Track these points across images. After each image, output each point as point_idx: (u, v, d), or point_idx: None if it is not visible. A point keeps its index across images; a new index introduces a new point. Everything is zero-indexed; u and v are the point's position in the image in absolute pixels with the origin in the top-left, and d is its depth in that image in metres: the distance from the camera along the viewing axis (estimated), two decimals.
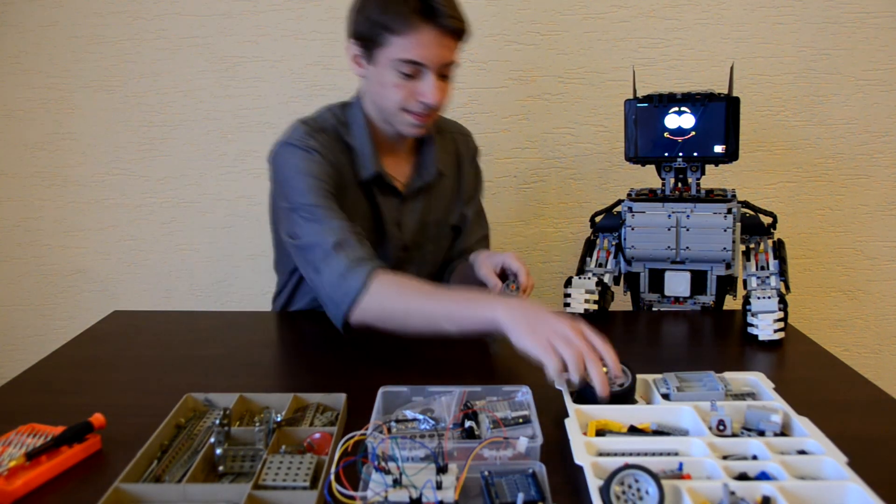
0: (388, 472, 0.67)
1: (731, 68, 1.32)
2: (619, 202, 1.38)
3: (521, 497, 0.66)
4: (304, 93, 1.87)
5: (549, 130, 1.87)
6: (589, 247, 1.39)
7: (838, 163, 1.84)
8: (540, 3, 1.79)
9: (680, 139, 1.31)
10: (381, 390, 0.86)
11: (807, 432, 0.76)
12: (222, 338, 1.22)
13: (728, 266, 1.30)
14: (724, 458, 0.73)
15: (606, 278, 1.33)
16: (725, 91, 1.30)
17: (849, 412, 0.90)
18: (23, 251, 2.00)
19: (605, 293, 1.31)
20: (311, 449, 0.78)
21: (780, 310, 1.15)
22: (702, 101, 1.29)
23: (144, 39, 1.85)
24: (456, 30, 1.12)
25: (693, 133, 1.30)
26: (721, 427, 0.78)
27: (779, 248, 1.28)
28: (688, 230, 1.29)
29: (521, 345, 0.89)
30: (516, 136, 1.87)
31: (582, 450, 0.73)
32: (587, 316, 1.26)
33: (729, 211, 1.27)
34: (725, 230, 1.27)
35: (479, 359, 1.07)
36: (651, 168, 1.36)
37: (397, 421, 0.82)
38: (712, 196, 1.31)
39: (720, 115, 1.29)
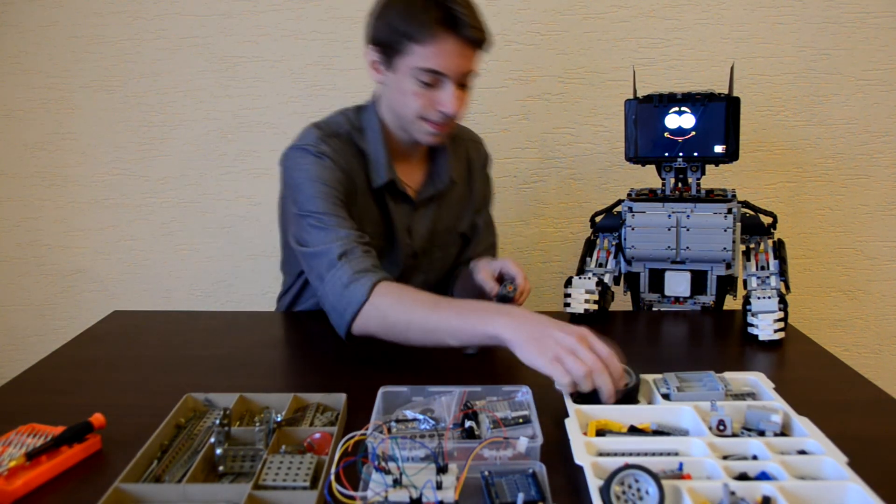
0: (388, 472, 0.67)
1: (732, 68, 1.32)
2: (619, 202, 1.38)
3: (521, 497, 0.66)
4: (304, 93, 1.87)
5: (549, 130, 1.87)
6: (589, 247, 1.39)
7: (838, 163, 1.85)
8: (540, 3, 1.79)
9: (680, 139, 1.31)
10: (381, 390, 0.86)
11: (807, 432, 0.76)
12: (222, 338, 1.22)
13: (728, 266, 1.30)
14: (725, 458, 0.72)
15: (606, 278, 1.33)
16: (725, 91, 1.30)
17: (849, 412, 0.90)
18: (23, 251, 2.00)
19: (605, 293, 1.31)
20: (311, 449, 0.78)
21: (780, 310, 1.15)
22: (702, 101, 1.29)
23: (144, 39, 1.85)
24: (477, 40, 1.11)
25: (693, 133, 1.30)
26: (721, 427, 0.78)
27: (779, 248, 1.28)
28: (688, 230, 1.29)
29: (527, 361, 0.88)
30: (516, 136, 1.87)
31: (582, 450, 0.73)
32: (587, 316, 1.26)
33: (729, 211, 1.27)
34: (725, 230, 1.27)
35: (479, 359, 1.07)
36: (651, 168, 1.36)
37: (397, 421, 0.82)
38: (712, 196, 1.31)
39: (720, 115, 1.29)
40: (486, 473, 0.70)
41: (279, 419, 0.81)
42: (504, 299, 1.11)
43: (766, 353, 1.12)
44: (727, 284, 1.33)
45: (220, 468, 0.75)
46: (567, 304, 1.28)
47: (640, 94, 1.33)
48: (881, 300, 1.92)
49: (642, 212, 1.31)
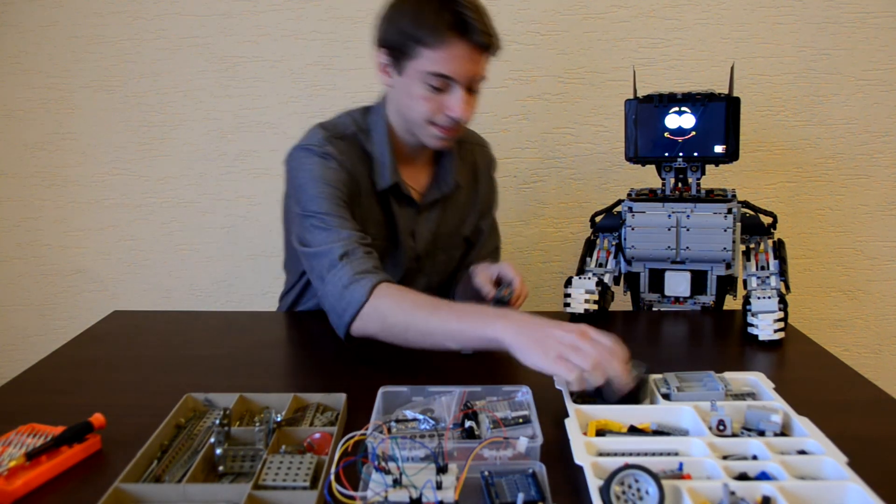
0: (388, 472, 0.67)
1: (732, 68, 1.32)
2: (619, 202, 1.38)
3: (521, 497, 0.66)
4: (304, 93, 1.87)
5: (549, 130, 1.87)
6: (589, 247, 1.39)
7: (838, 163, 1.85)
8: (540, 3, 1.79)
9: (680, 139, 1.31)
10: (381, 390, 0.86)
11: (807, 432, 0.76)
12: (222, 338, 1.22)
13: (728, 266, 1.30)
14: (724, 458, 0.72)
15: (606, 278, 1.33)
16: (726, 91, 1.30)
17: (849, 412, 0.90)
18: (23, 251, 2.00)
19: (605, 293, 1.31)
20: (311, 449, 0.78)
21: (780, 310, 1.15)
22: (702, 101, 1.29)
23: (144, 39, 1.85)
24: (487, 45, 1.11)
25: (693, 133, 1.30)
26: (721, 427, 0.78)
27: (779, 248, 1.28)
28: (688, 230, 1.29)
29: (530, 363, 0.86)
30: (516, 136, 1.87)
31: (582, 450, 0.73)
32: (587, 316, 1.26)
33: (729, 211, 1.27)
34: (725, 230, 1.27)
35: (479, 359, 1.06)
36: (651, 168, 1.36)
37: (397, 421, 0.82)
38: (712, 196, 1.31)
39: (720, 115, 1.29)
40: (486, 473, 0.70)
41: (279, 419, 0.81)
42: (500, 303, 1.12)
43: (766, 353, 1.12)
44: (727, 284, 1.33)
45: (220, 468, 0.75)
46: (567, 304, 1.28)
47: (641, 94, 1.33)
48: (881, 300, 1.92)
49: (642, 212, 1.31)
